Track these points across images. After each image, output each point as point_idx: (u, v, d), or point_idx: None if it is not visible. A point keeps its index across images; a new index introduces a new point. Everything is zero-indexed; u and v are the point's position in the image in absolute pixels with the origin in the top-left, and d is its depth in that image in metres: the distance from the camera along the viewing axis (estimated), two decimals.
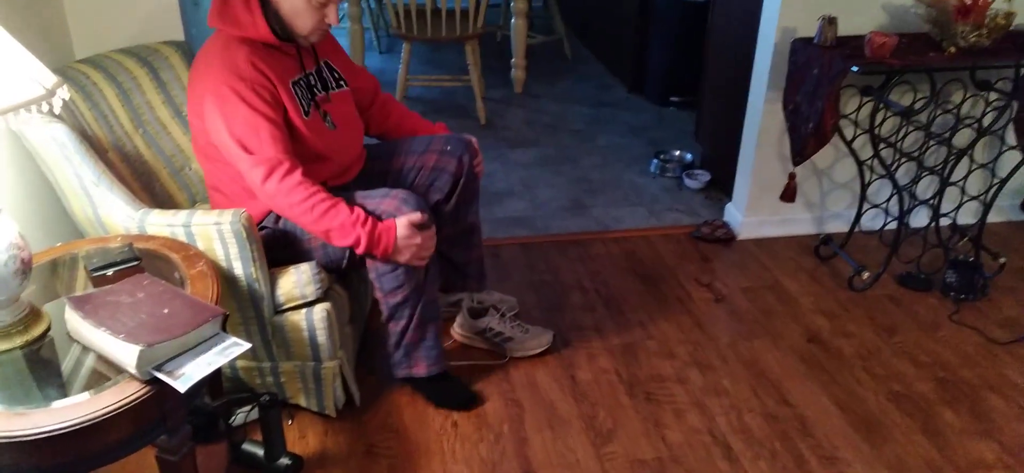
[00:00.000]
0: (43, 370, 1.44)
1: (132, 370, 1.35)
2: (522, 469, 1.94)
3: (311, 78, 2.01)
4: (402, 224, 1.88)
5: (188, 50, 2.37)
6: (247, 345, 1.45)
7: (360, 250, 1.88)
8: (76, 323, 1.45)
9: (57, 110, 1.37)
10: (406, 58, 4.05)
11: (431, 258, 1.96)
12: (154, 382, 1.36)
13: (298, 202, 1.81)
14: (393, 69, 4.04)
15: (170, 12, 2.41)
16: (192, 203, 2.27)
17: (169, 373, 1.36)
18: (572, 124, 4.21)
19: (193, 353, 1.42)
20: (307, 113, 1.94)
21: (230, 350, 1.43)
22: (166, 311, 1.46)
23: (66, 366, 1.45)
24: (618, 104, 4.53)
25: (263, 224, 1.99)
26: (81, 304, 1.46)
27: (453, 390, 2.16)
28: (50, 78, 1.37)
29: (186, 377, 1.36)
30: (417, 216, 1.89)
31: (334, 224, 1.84)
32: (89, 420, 1.29)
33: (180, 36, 2.42)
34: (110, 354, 1.40)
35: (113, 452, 1.38)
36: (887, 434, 2.07)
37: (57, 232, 2.05)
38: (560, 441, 2.02)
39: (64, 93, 1.39)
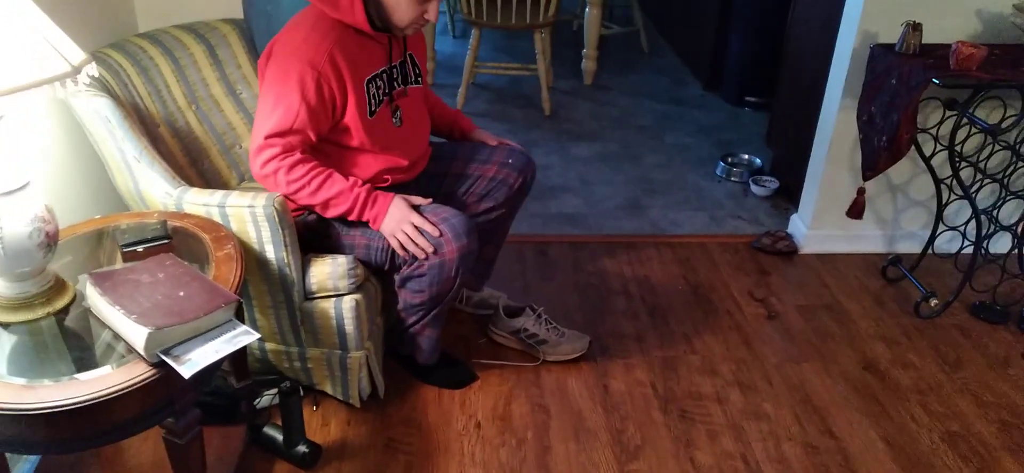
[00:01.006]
0: (60, 344, 1.47)
1: (140, 351, 1.36)
2: None
3: (394, 71, 1.99)
4: (398, 200, 1.86)
5: (246, 28, 2.40)
6: (255, 336, 1.44)
7: (355, 215, 1.87)
8: (95, 299, 1.47)
9: (82, 85, 1.38)
10: (475, 45, 4.01)
11: (454, 280, 1.92)
12: (162, 365, 1.37)
13: (297, 178, 1.81)
14: (466, 54, 4.02)
15: None
16: (240, 181, 2.30)
17: (176, 358, 1.36)
18: (640, 120, 4.09)
19: (204, 338, 1.42)
20: (373, 112, 1.92)
21: (239, 339, 1.43)
22: (182, 294, 1.46)
23: (84, 341, 1.48)
24: (691, 101, 4.39)
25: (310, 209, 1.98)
26: (101, 280, 1.48)
27: (447, 373, 2.19)
28: (78, 55, 1.38)
29: (191, 363, 1.36)
30: (420, 200, 1.90)
31: (332, 193, 1.84)
32: (94, 398, 1.30)
33: (239, 14, 2.45)
34: (122, 332, 1.41)
35: (119, 431, 1.40)
36: None
37: (106, 203, 2.10)
38: (583, 454, 1.96)
39: (91, 70, 1.41)
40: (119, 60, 2.02)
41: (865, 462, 1.96)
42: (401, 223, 1.86)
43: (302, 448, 1.88)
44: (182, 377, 1.34)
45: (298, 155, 1.83)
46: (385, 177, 1.99)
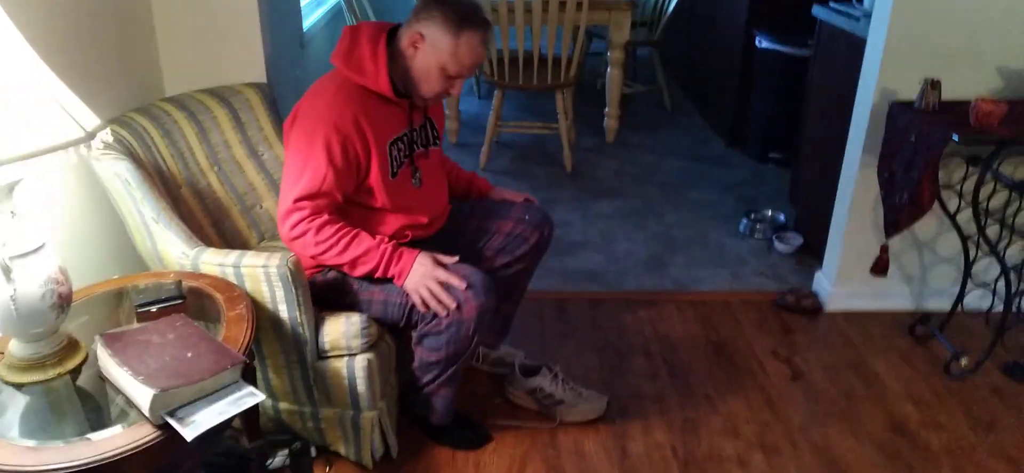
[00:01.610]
0: (69, 404, 1.47)
1: (145, 412, 1.37)
2: None
3: (414, 134, 2.04)
4: (423, 257, 1.87)
5: (268, 92, 2.45)
6: (261, 396, 1.44)
7: (381, 272, 1.88)
8: (105, 359, 1.48)
9: (97, 150, 1.42)
10: (498, 105, 4.06)
11: (472, 339, 1.91)
12: (166, 426, 1.37)
13: (325, 239, 1.84)
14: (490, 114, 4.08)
15: (255, 55, 2.50)
16: (260, 240, 2.33)
17: (180, 420, 1.36)
18: (663, 177, 4.08)
19: (209, 400, 1.42)
20: (395, 174, 1.96)
21: (244, 400, 1.43)
22: (190, 355, 1.47)
23: (93, 402, 1.48)
24: (714, 159, 4.38)
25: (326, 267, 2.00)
26: (112, 341, 1.49)
27: (461, 434, 2.16)
28: (93, 121, 1.42)
29: (195, 424, 1.35)
30: (446, 258, 1.90)
31: (359, 251, 1.86)
32: (97, 461, 1.30)
33: (263, 78, 2.51)
34: (129, 393, 1.42)
35: None
36: None
37: (127, 263, 2.13)
38: None
39: (106, 136, 1.44)
40: (143, 123, 2.07)
41: None
42: (425, 279, 1.86)
43: None
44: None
45: (326, 217, 1.85)
46: (406, 233, 2.03)
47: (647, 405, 2.30)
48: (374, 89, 1.89)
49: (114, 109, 2.12)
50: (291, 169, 1.87)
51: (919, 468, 2.08)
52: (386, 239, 1.90)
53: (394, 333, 2.07)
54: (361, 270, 1.89)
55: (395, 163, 1.96)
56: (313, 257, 1.90)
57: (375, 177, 1.91)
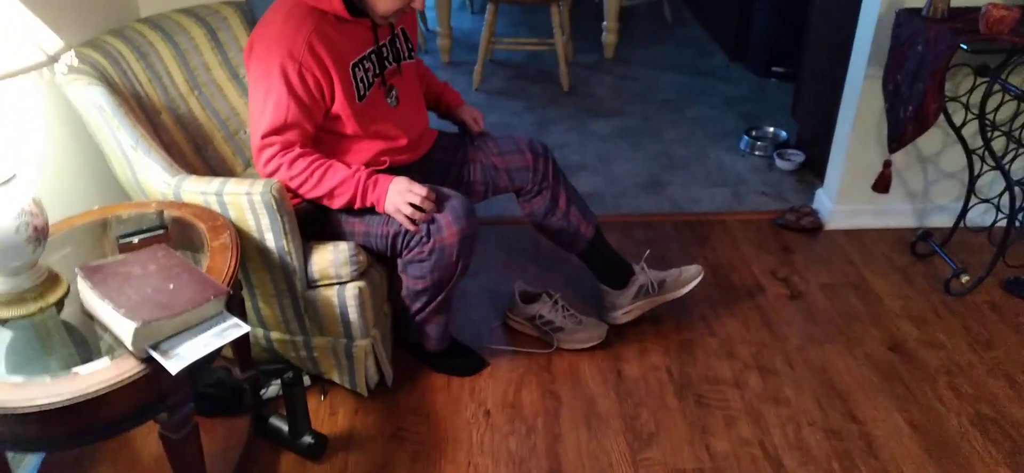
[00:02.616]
0: (52, 339, 1.44)
1: (128, 346, 1.34)
2: (550, 468, 1.84)
3: (384, 49, 1.93)
4: (398, 179, 1.82)
5: (248, 10, 2.36)
6: (246, 328, 1.41)
7: (358, 202, 1.83)
8: (86, 292, 1.44)
9: (62, 74, 1.35)
10: (491, 20, 3.93)
11: (456, 265, 1.87)
12: (151, 360, 1.34)
13: (299, 173, 1.78)
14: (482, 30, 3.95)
15: None
16: (245, 167, 2.27)
17: (164, 353, 1.33)
18: (662, 93, 3.99)
19: (194, 332, 1.39)
20: (362, 97, 1.87)
21: (228, 332, 1.39)
22: (172, 286, 1.43)
23: (76, 336, 1.45)
24: (716, 73, 4.27)
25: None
26: (92, 273, 1.45)
27: (457, 361, 2.15)
28: (55, 44, 1.35)
29: (179, 357, 1.33)
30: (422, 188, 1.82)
31: (335, 182, 1.81)
32: (82, 396, 1.28)
33: None
34: (111, 327, 1.38)
35: (112, 428, 1.38)
36: (965, 463, 1.84)
37: (111, 194, 2.08)
38: (595, 441, 1.90)
39: (70, 58, 1.37)
40: (118, 47, 1.99)
41: (889, 448, 1.88)
42: (405, 195, 1.80)
43: (308, 439, 1.85)
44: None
45: (298, 150, 1.79)
46: (383, 159, 1.94)
47: (643, 327, 2.27)
48: (327, 9, 1.77)
49: (87, 32, 2.03)
50: (254, 103, 1.79)
51: (916, 387, 2.06)
52: (361, 168, 1.83)
53: (384, 262, 2.04)
54: (339, 201, 1.84)
55: (362, 85, 1.86)
56: (290, 190, 1.84)
57: (340, 103, 1.82)
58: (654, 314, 2.32)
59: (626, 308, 2.24)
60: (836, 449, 1.88)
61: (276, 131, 1.76)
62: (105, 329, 1.41)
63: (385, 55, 1.93)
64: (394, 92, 1.95)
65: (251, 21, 2.34)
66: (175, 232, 1.72)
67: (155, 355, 1.32)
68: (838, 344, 2.22)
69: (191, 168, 2.09)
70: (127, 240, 1.65)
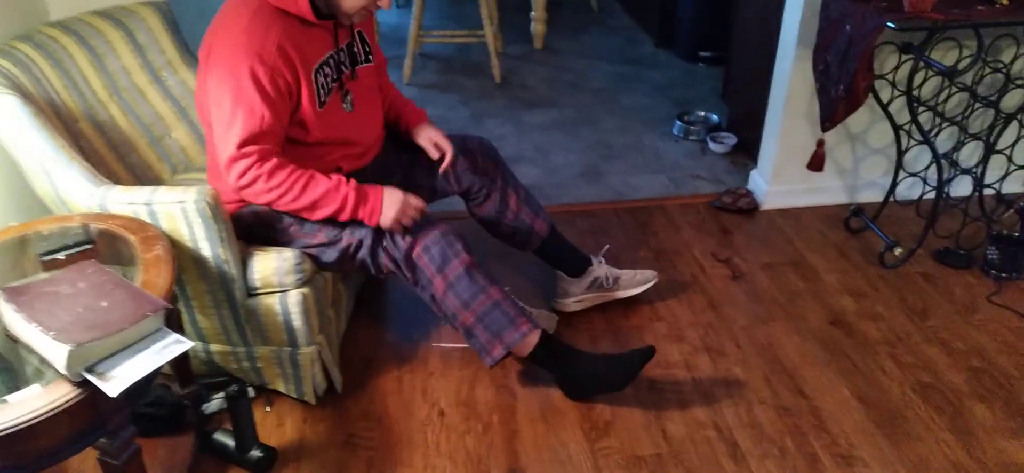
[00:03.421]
0: None
1: (62, 370, 1.25)
2: (509, 464, 1.81)
3: (342, 54, 1.85)
4: (388, 191, 1.79)
5: (168, 11, 2.25)
6: (188, 344, 1.34)
7: (346, 214, 1.76)
8: (10, 316, 1.34)
9: None
10: (418, 13, 3.87)
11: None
12: (86, 384, 1.25)
13: (278, 185, 1.69)
14: (410, 24, 3.88)
15: None
16: (173, 173, 2.17)
17: (100, 375, 1.25)
18: (594, 83, 4.00)
19: (131, 351, 1.31)
20: (322, 103, 1.79)
21: (169, 349, 1.32)
22: (105, 304, 1.34)
23: (5, 363, 1.35)
24: (644, 60, 4.31)
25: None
26: (16, 295, 1.35)
27: (585, 368, 1.95)
28: None
29: (118, 379, 1.25)
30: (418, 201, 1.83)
31: (317, 194, 1.74)
32: (13, 426, 1.19)
33: None
34: (42, 352, 1.29)
35: (48, 457, 1.29)
36: (911, 430, 1.89)
37: (31, 210, 1.95)
38: (552, 434, 1.89)
39: None
40: (28, 53, 1.87)
41: (838, 419, 1.92)
42: (407, 210, 1.79)
43: (256, 452, 1.78)
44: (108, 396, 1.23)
45: (275, 160, 1.69)
46: (340, 164, 1.88)
47: (591, 317, 2.27)
48: (293, 12, 1.68)
49: None
50: (222, 111, 1.66)
51: (859, 360, 2.12)
52: (344, 179, 1.76)
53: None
54: (321, 214, 1.77)
55: (323, 91, 1.78)
56: (267, 204, 1.75)
57: (305, 108, 1.74)
58: (600, 304, 2.31)
59: (578, 296, 2.24)
60: (788, 425, 1.91)
61: (252, 140, 1.65)
62: (32, 353, 1.31)
63: (342, 60, 1.85)
64: (349, 97, 1.88)
65: (171, 22, 2.23)
66: (103, 246, 1.62)
67: (91, 378, 1.24)
68: (782, 322, 2.26)
69: (115, 177, 1.98)
70: (51, 257, 1.55)
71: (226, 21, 1.70)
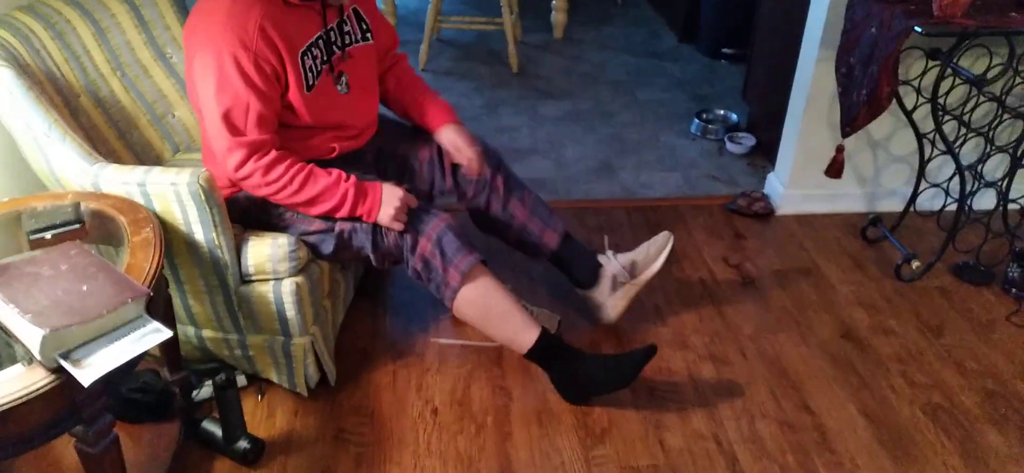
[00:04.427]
0: None
1: (37, 355, 1.22)
2: (500, 468, 1.76)
3: (331, 34, 1.79)
4: (387, 188, 1.75)
5: None
6: (168, 333, 1.30)
7: (344, 212, 1.73)
8: None
9: None
10: None
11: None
12: (61, 370, 1.22)
13: (276, 179, 1.67)
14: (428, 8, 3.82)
15: None
16: (174, 152, 2.14)
17: (76, 362, 1.22)
18: (612, 75, 3.92)
19: (109, 338, 1.27)
20: (310, 87, 1.74)
21: (149, 338, 1.28)
22: (85, 288, 1.31)
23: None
24: (666, 54, 4.22)
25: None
26: None
27: (584, 370, 1.89)
28: None
29: (93, 367, 1.21)
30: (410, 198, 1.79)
31: (316, 190, 1.71)
32: None
33: None
34: (18, 334, 1.26)
35: (22, 443, 1.26)
36: (918, 453, 1.82)
37: (27, 185, 1.93)
38: (546, 439, 1.84)
39: None
40: (29, 24, 1.84)
41: (843, 438, 1.85)
42: (404, 207, 1.76)
43: (243, 443, 1.74)
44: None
45: (273, 153, 1.66)
46: (333, 146, 1.84)
47: (586, 318, 2.21)
48: None
49: None
50: (208, 100, 1.63)
51: (868, 376, 2.04)
52: (344, 175, 1.73)
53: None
54: (319, 210, 1.74)
55: (310, 74, 1.73)
56: (264, 196, 1.72)
57: (293, 92, 1.70)
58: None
59: (609, 304, 2.11)
60: (790, 441, 1.84)
61: (238, 129, 1.62)
62: (9, 335, 1.28)
63: (333, 40, 1.79)
64: (344, 78, 1.83)
65: None
66: (93, 226, 1.59)
67: (65, 365, 1.21)
68: (791, 332, 2.19)
69: (115, 155, 1.95)
70: (39, 236, 1.52)
71: (207, 6, 1.65)
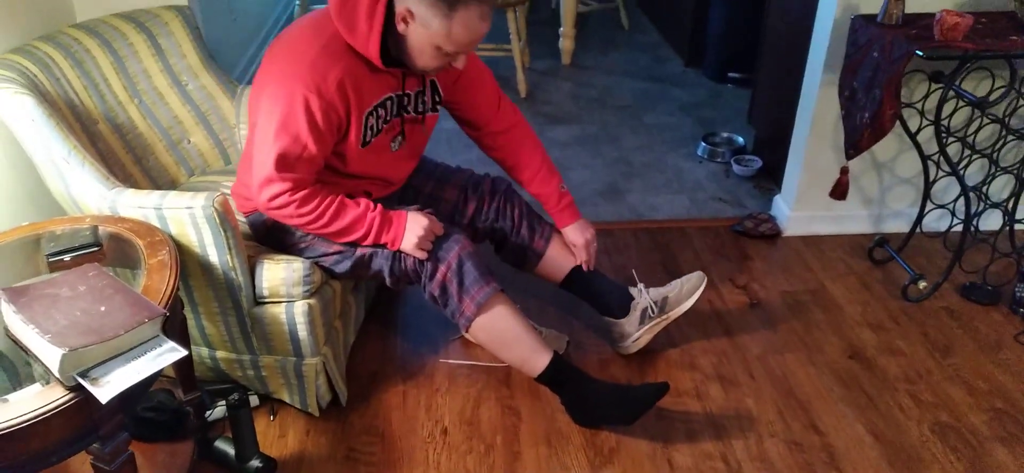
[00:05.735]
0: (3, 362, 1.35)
1: (56, 374, 1.25)
2: None
3: (406, 99, 1.83)
4: (411, 217, 1.78)
5: (190, 16, 2.26)
6: (183, 352, 1.32)
7: (370, 241, 1.77)
8: (9, 316, 1.35)
9: None
10: None
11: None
12: (79, 388, 1.25)
13: (309, 211, 1.70)
14: None
15: None
16: (189, 176, 2.18)
17: (93, 380, 1.24)
18: (620, 99, 3.96)
19: (126, 357, 1.30)
20: (366, 143, 1.77)
21: (165, 357, 1.31)
22: (103, 309, 1.34)
23: (7, 362, 1.36)
24: (672, 79, 4.26)
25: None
26: (16, 296, 1.35)
27: (594, 396, 1.90)
28: None
29: (110, 385, 1.24)
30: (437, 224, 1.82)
31: (346, 222, 1.74)
32: (7, 427, 1.19)
33: (184, 1, 2.31)
34: (38, 353, 1.29)
35: (40, 460, 1.28)
36: (927, 472, 1.82)
37: (47, 209, 1.97)
38: (555, 459, 1.85)
39: None
40: (50, 53, 1.89)
41: (851, 458, 1.86)
42: (429, 235, 1.78)
43: (256, 462, 1.76)
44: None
45: (308, 189, 1.70)
46: (367, 191, 1.88)
47: (603, 340, 2.23)
48: (362, 53, 1.65)
49: (17, 38, 1.93)
50: (268, 127, 1.65)
51: (876, 395, 2.05)
52: (371, 204, 1.76)
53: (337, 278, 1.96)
54: (345, 239, 1.78)
55: (370, 132, 1.77)
56: (295, 226, 1.78)
57: (350, 144, 1.74)
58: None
59: (635, 336, 2.12)
60: (798, 461, 1.85)
61: (289, 167, 1.66)
62: (29, 355, 1.32)
63: (407, 104, 1.84)
64: (400, 139, 1.87)
65: (194, 27, 2.25)
66: (111, 249, 1.63)
67: (83, 383, 1.24)
68: (798, 353, 2.20)
69: (131, 180, 2.00)
70: (58, 258, 1.56)
71: (297, 44, 1.68)
